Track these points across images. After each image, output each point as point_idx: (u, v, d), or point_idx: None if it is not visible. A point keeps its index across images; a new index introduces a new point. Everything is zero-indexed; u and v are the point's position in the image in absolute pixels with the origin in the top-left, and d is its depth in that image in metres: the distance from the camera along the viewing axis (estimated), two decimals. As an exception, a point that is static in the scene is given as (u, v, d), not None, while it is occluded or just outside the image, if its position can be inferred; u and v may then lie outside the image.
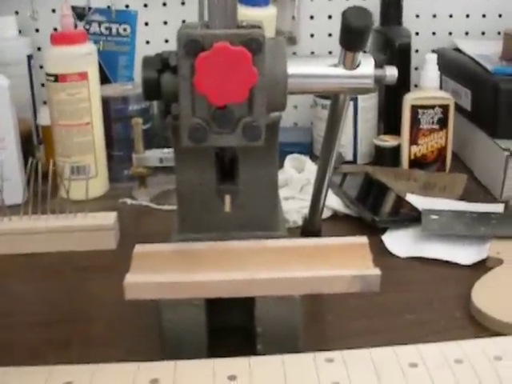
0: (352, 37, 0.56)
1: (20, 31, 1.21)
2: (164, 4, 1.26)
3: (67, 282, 0.81)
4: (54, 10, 1.25)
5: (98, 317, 0.72)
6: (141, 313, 0.69)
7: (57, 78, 0.98)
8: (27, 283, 0.81)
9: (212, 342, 0.63)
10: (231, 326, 0.66)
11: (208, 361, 0.59)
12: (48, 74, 0.99)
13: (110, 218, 0.89)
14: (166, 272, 0.62)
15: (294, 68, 0.59)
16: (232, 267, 0.63)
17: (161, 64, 0.58)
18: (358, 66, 0.60)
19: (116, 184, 1.09)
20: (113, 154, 1.10)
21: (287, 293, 0.60)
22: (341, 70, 0.60)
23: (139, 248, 0.67)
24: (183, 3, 1.26)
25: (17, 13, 1.24)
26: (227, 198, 0.61)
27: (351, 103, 1.13)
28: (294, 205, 0.95)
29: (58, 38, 0.99)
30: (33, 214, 0.89)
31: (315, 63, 0.61)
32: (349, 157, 1.16)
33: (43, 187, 0.88)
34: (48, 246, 0.87)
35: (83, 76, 0.99)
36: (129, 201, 1.03)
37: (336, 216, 0.96)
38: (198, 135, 0.57)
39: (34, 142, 1.16)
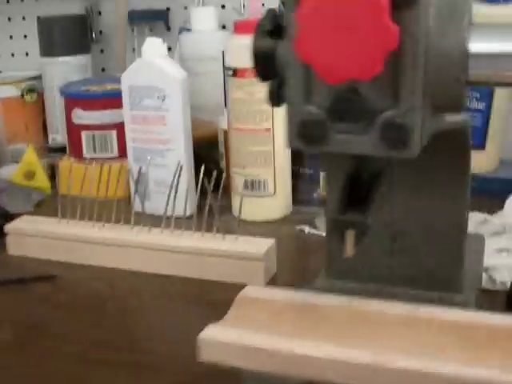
0: None
1: (224, 26, 1.08)
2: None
3: (190, 316, 0.64)
4: (263, 4, 1.10)
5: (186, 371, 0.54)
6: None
7: (235, 73, 0.83)
8: (150, 309, 0.66)
9: None
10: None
11: None
12: (227, 68, 0.84)
13: (262, 245, 0.71)
14: (262, 332, 0.43)
15: (480, 43, 0.38)
16: (360, 343, 0.42)
17: (273, 25, 0.39)
18: None
19: (300, 207, 0.91)
20: (301, 171, 0.92)
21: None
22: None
23: (248, 291, 0.50)
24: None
25: (223, 7, 1.12)
26: (349, 236, 0.40)
27: None
28: (508, 260, 0.71)
29: (242, 26, 0.83)
30: (176, 229, 0.74)
31: (515, 37, 0.39)
32: None
33: (210, 201, 0.72)
34: (185, 269, 0.71)
35: (265, 72, 0.82)
36: (307, 229, 0.84)
37: None
38: (312, 132, 0.37)
39: (219, 149, 1.01)
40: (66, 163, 0.99)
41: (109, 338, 0.61)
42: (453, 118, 0.42)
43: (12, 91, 1.10)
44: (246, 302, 0.48)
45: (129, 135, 0.89)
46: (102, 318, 0.65)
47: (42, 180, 1.00)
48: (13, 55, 1.31)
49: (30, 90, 1.11)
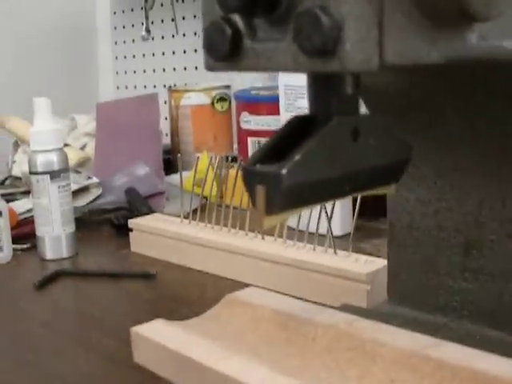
0: None
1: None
2: None
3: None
4: None
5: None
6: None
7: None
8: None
9: None
10: None
11: None
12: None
13: (373, 265, 0.58)
14: (213, 339, 0.33)
15: None
16: (320, 375, 0.30)
17: None
18: None
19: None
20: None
21: None
22: None
23: (241, 295, 0.39)
24: None
25: None
26: (259, 192, 0.28)
27: None
28: None
29: None
30: (290, 240, 0.64)
31: None
32: None
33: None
34: (281, 282, 0.61)
35: None
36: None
37: None
38: (221, 43, 0.26)
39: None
40: (232, 172, 0.93)
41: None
42: (489, 43, 0.28)
43: (202, 99, 1.06)
44: (237, 301, 0.38)
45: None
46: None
47: (208, 188, 0.95)
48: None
49: (221, 99, 1.07)
